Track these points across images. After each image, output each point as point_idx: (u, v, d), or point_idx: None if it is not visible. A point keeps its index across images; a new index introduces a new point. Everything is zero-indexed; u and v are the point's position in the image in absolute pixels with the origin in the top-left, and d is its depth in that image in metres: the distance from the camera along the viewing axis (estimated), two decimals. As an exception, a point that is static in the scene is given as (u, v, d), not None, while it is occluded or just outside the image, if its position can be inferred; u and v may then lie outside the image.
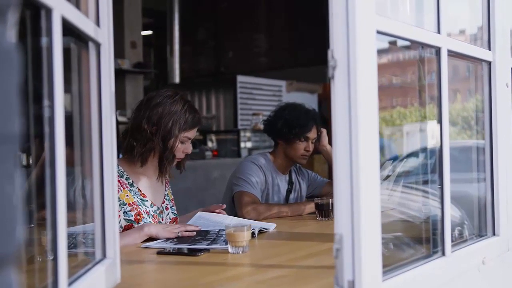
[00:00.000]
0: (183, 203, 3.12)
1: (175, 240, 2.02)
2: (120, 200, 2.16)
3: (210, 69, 9.82)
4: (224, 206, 2.43)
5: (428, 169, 1.70)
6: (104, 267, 1.30)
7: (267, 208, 2.71)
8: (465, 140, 1.97)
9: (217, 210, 2.39)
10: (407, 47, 1.68)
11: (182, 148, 2.27)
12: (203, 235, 2.10)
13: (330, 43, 1.15)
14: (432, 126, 1.58)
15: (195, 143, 6.03)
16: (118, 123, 5.86)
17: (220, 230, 2.15)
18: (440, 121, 1.50)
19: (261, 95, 8.32)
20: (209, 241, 1.97)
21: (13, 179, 0.69)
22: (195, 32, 9.71)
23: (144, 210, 2.23)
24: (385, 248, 1.29)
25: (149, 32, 9.78)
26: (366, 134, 1.14)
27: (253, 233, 2.08)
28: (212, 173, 5.84)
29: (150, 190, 2.30)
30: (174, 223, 2.36)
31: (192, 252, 1.82)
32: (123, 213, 2.17)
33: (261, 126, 4.11)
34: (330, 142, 2.98)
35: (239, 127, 7.73)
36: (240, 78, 8.18)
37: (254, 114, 7.66)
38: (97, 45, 1.32)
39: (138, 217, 2.19)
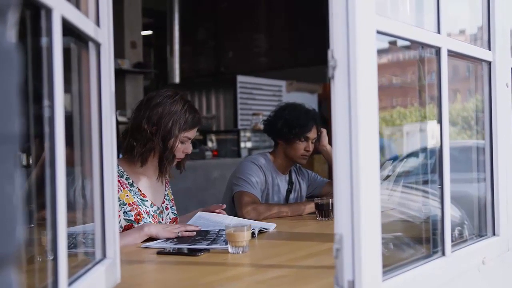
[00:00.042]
0: (183, 203, 3.13)
1: (175, 240, 2.02)
2: (120, 200, 2.16)
3: (210, 69, 9.82)
4: (224, 206, 2.43)
5: (428, 169, 1.70)
6: (104, 267, 1.30)
7: (267, 208, 2.71)
8: (465, 140, 1.97)
9: (217, 210, 2.39)
10: (407, 47, 1.68)
11: (182, 148, 2.27)
12: (203, 235, 2.10)
13: (330, 43, 1.15)
14: (432, 126, 1.58)
15: (195, 143, 6.03)
16: (118, 123, 5.86)
17: (220, 230, 2.15)
18: (440, 121, 1.50)
19: (261, 95, 8.32)
20: (209, 241, 1.97)
21: (13, 179, 0.69)
22: (195, 32, 9.71)
23: (144, 210, 2.23)
24: (385, 248, 1.29)
25: (149, 32, 9.78)
26: (366, 134, 1.14)
27: (253, 233, 2.08)
28: (212, 173, 5.84)
29: (150, 190, 2.30)
30: (174, 223, 2.36)
31: (192, 252, 1.82)
32: (123, 213, 2.17)
33: (261, 126, 4.11)
34: (330, 142, 2.98)
35: (239, 127, 7.73)
36: (240, 78, 8.18)
37: (254, 114, 7.66)
38: (97, 45, 1.32)
39: (138, 217, 2.19)
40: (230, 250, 1.81)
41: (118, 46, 6.93)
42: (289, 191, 3.01)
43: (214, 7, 9.72)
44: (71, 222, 1.29)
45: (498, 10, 1.79)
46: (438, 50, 1.50)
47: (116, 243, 1.38)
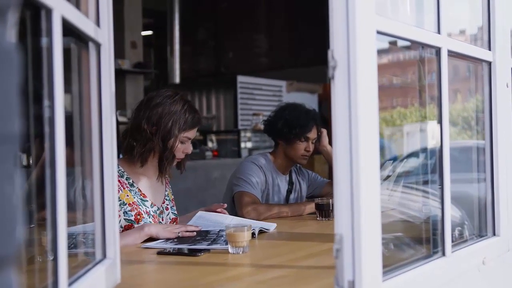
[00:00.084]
0: (183, 203, 3.13)
1: (175, 240, 2.02)
2: (120, 200, 2.16)
3: (210, 69, 9.82)
4: (225, 205, 2.44)
5: (429, 169, 1.70)
6: (104, 267, 1.30)
7: (267, 208, 2.71)
8: (465, 140, 1.97)
9: (218, 210, 2.39)
10: (407, 47, 1.68)
11: (182, 148, 2.27)
12: (203, 235, 2.10)
13: (330, 43, 1.15)
14: (432, 126, 1.58)
15: (195, 143, 6.03)
16: (118, 123, 5.86)
17: (220, 230, 2.15)
18: (440, 122, 1.50)
19: (261, 95, 8.32)
20: (210, 241, 1.97)
21: (13, 179, 0.69)
22: (195, 32, 9.70)
23: (144, 210, 2.23)
24: (385, 248, 1.29)
25: (149, 32, 9.78)
26: (366, 134, 1.14)
27: (253, 233, 2.08)
28: (212, 173, 5.84)
29: (150, 190, 2.30)
30: (174, 223, 2.36)
31: (192, 252, 1.82)
32: (123, 213, 2.17)
33: (261, 126, 4.11)
34: (330, 143, 2.98)
35: (240, 127, 7.72)
36: (240, 78, 8.18)
37: (254, 114, 7.66)
38: (97, 45, 1.32)
39: (138, 217, 2.19)
40: (230, 250, 1.81)
41: (118, 46, 6.93)
42: (289, 191, 3.01)
43: (214, 7, 9.71)
44: (71, 223, 1.29)
45: (498, 10, 1.79)
46: (438, 50, 1.50)
47: (116, 243, 1.38)
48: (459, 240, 1.67)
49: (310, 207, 2.73)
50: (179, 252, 1.85)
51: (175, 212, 2.42)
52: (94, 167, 1.33)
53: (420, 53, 1.67)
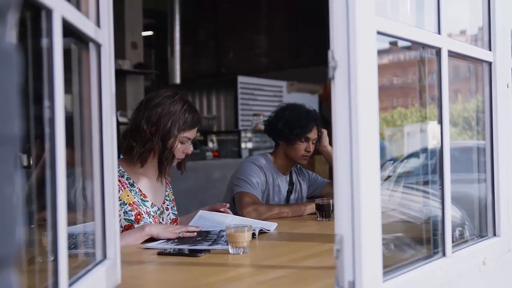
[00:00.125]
0: (184, 203, 3.12)
1: (176, 240, 2.02)
2: (121, 200, 2.16)
3: (210, 69, 9.82)
4: (228, 205, 2.44)
5: (429, 169, 1.70)
6: (104, 268, 1.30)
7: (267, 208, 2.71)
8: (466, 141, 1.97)
9: (221, 209, 2.39)
10: (407, 48, 1.68)
11: (182, 148, 2.27)
12: (204, 235, 2.10)
13: (331, 44, 1.15)
14: (433, 126, 1.58)
15: (196, 143, 6.04)
16: (119, 123, 5.86)
17: (221, 230, 2.15)
18: (440, 122, 1.50)
19: (261, 96, 8.32)
20: (210, 242, 1.97)
21: (14, 180, 0.69)
22: (195, 32, 9.71)
23: (145, 211, 2.23)
24: (385, 248, 1.29)
25: (149, 33, 9.78)
26: (367, 135, 1.14)
27: (253, 234, 2.08)
28: (213, 174, 5.84)
29: (150, 191, 2.30)
30: (175, 223, 2.36)
31: (193, 253, 1.82)
32: (124, 213, 2.17)
33: (262, 127, 4.11)
34: (330, 143, 2.98)
35: (240, 127, 7.73)
36: (240, 79, 8.18)
37: (254, 115, 7.66)
38: (98, 46, 1.32)
39: (139, 217, 2.19)
40: (230, 250, 1.81)
41: (119, 46, 6.93)
42: (289, 192, 3.01)
43: (214, 7, 9.72)
44: (72, 223, 1.29)
45: (499, 11, 1.79)
46: (438, 51, 1.50)
47: (117, 244, 1.38)
48: (460, 241, 1.67)
49: (311, 207, 2.73)
50: (179, 253, 1.85)
51: (176, 212, 2.41)
52: (94, 167, 1.33)
53: (420, 53, 1.67)
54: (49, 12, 0.98)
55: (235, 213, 2.69)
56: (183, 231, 2.08)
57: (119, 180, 2.18)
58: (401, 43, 1.50)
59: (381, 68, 1.22)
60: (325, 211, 2.58)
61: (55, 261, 0.99)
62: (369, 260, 1.14)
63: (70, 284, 1.07)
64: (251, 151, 7.01)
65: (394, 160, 2.13)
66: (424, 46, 1.54)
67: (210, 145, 7.09)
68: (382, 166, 1.24)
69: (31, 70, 0.98)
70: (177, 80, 8.60)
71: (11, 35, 0.70)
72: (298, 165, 3.07)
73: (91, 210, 1.35)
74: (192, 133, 2.28)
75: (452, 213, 1.51)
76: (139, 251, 1.93)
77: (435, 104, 1.54)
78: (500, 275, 1.83)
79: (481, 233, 1.82)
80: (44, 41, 0.99)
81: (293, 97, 7.71)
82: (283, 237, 2.26)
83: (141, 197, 2.25)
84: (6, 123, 0.69)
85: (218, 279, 1.54)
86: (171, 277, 1.62)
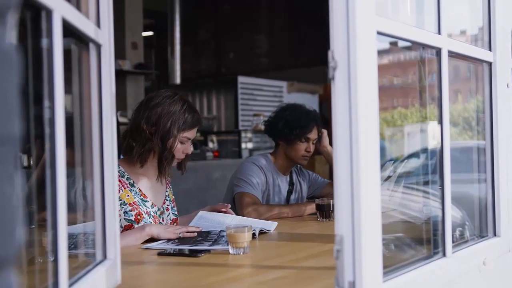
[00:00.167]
0: (184, 204, 3.13)
1: (176, 241, 2.02)
2: (121, 200, 2.16)
3: (211, 69, 9.82)
4: (230, 206, 2.44)
5: (429, 169, 1.70)
6: (104, 268, 1.30)
7: (268, 209, 2.71)
8: (466, 141, 1.97)
9: (223, 209, 2.39)
10: (408, 48, 1.68)
11: (182, 148, 2.27)
12: (204, 236, 2.10)
13: (331, 44, 1.15)
14: (433, 126, 1.58)
15: (196, 144, 6.04)
16: (119, 124, 5.86)
17: (221, 230, 2.16)
18: (440, 122, 1.50)
19: (262, 96, 8.32)
20: (211, 242, 1.97)
21: (14, 180, 0.69)
22: (196, 33, 9.71)
23: (145, 211, 2.23)
24: (386, 248, 1.29)
25: (150, 33, 9.78)
26: (367, 135, 1.14)
27: (254, 234, 2.08)
28: (213, 174, 5.84)
29: (151, 191, 2.30)
30: (175, 224, 2.36)
31: (193, 253, 1.82)
32: (124, 213, 2.17)
33: (262, 127, 4.11)
34: (331, 143, 2.98)
35: (240, 127, 7.73)
36: (241, 79, 8.18)
37: (255, 115, 7.66)
38: (98, 46, 1.32)
39: (139, 217, 2.19)
40: (231, 251, 1.81)
41: (119, 47, 6.93)
42: (290, 192, 3.01)
43: (214, 7, 9.72)
44: (72, 224, 1.29)
45: (499, 11, 1.79)
46: (438, 51, 1.50)
47: (117, 244, 1.38)
48: (460, 241, 1.67)
49: (311, 207, 2.73)
50: (179, 253, 1.85)
51: (176, 212, 2.42)
52: (94, 168, 1.33)
53: (420, 53, 1.67)
54: (49, 13, 0.98)
55: (235, 213, 2.69)
56: (184, 231, 2.08)
57: (119, 180, 2.18)
58: (401, 43, 1.50)
59: (381, 68, 1.22)
60: (325, 211, 2.58)
61: (55, 261, 0.99)
62: (369, 260, 1.14)
63: (70, 285, 1.07)
64: (251, 151, 7.01)
65: (394, 160, 2.13)
66: (424, 46, 1.54)
67: (210, 145, 7.09)
68: (382, 166, 1.24)
69: (31, 71, 0.98)
70: (177, 80, 8.60)
71: (11, 36, 0.70)
72: (298, 165, 3.07)
73: (91, 210, 1.35)
74: (191, 133, 2.28)
75: (452, 213, 1.51)
76: (139, 252, 1.93)
77: (435, 104, 1.54)
78: (500, 275, 1.83)
79: (481, 233, 1.82)
80: (44, 42, 0.99)
81: (293, 97, 7.71)
82: (283, 237, 2.26)
83: (141, 197, 2.25)
84: (6, 123, 0.69)
85: (218, 280, 1.54)
86: (171, 277, 1.62)
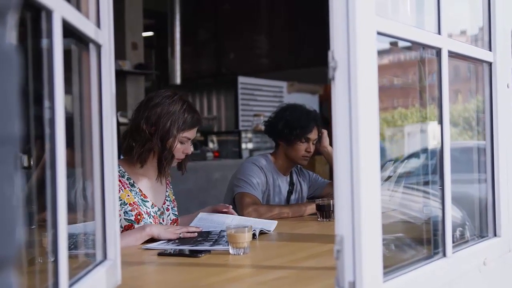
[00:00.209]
0: (184, 204, 3.13)
1: (176, 241, 2.02)
2: (121, 200, 2.16)
3: (211, 70, 9.82)
4: (231, 206, 2.44)
5: (429, 170, 1.70)
6: (104, 269, 1.30)
7: (268, 209, 2.71)
8: (466, 141, 1.97)
9: (224, 210, 2.39)
10: (408, 48, 1.68)
11: (182, 148, 2.27)
12: (204, 236, 2.10)
13: (331, 44, 1.15)
14: (433, 126, 1.58)
15: (196, 144, 6.04)
16: (119, 124, 5.86)
17: (221, 231, 2.16)
18: (441, 122, 1.50)
19: (262, 96, 8.32)
20: (211, 242, 1.97)
21: (14, 181, 0.69)
22: (196, 33, 9.70)
23: (145, 211, 2.23)
24: (386, 249, 1.28)
25: (150, 33, 9.78)
26: (367, 135, 1.14)
27: (254, 234, 2.08)
28: (213, 174, 5.84)
29: (151, 191, 2.30)
30: (175, 224, 2.36)
31: (193, 253, 1.82)
32: (124, 213, 2.17)
33: (262, 127, 4.11)
34: (331, 143, 2.98)
35: (240, 128, 7.73)
36: (241, 79, 8.18)
37: (255, 115, 7.66)
38: (98, 47, 1.32)
39: (139, 217, 2.19)
40: (231, 251, 1.81)
41: (119, 47, 6.92)
42: (290, 192, 3.01)
43: (214, 8, 9.72)
44: (72, 224, 1.29)
45: (499, 11, 1.79)
46: (438, 51, 1.50)
47: (117, 244, 1.38)
48: (460, 241, 1.67)
49: (311, 208, 2.73)
50: (180, 253, 1.85)
51: (176, 213, 2.41)
52: (94, 168, 1.33)
53: (420, 53, 1.67)
54: (49, 13, 0.98)
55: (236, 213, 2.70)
56: (184, 232, 2.08)
57: (120, 180, 2.18)
58: (401, 43, 1.50)
59: (381, 69, 1.22)
60: (326, 212, 2.58)
61: (55, 261, 0.99)
62: (370, 261, 1.14)
63: (71, 285, 1.07)
64: (251, 151, 7.01)
65: (394, 160, 2.13)
66: (424, 46, 1.54)
67: (211, 145, 7.10)
68: (383, 166, 1.24)
69: (31, 71, 0.98)
70: (178, 80, 8.59)
71: (11, 36, 0.70)
72: (299, 166, 3.07)
73: (91, 210, 1.35)
74: (191, 133, 2.28)
75: (452, 214, 1.51)
76: (140, 252, 1.93)
77: (436, 105, 1.54)
78: (500, 275, 1.83)
79: (482, 233, 1.82)
80: (44, 42, 0.99)
81: (294, 98, 7.72)
82: (283, 237, 2.26)
83: (142, 197, 2.25)
84: (6, 123, 0.69)
85: (219, 280, 1.54)
86: (171, 277, 1.62)
